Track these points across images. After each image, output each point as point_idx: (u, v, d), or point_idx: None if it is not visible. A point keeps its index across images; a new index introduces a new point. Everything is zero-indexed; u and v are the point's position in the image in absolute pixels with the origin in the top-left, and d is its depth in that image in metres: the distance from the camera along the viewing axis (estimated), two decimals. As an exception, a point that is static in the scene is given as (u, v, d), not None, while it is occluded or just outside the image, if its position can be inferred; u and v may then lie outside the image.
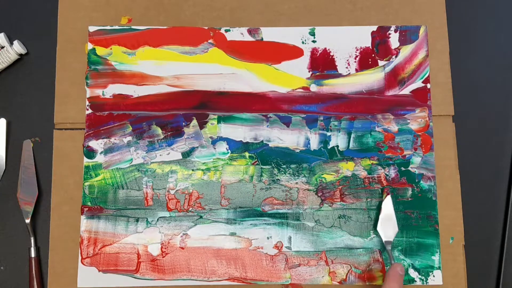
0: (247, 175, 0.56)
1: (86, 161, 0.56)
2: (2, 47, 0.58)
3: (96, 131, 0.57)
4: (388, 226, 0.54)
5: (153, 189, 0.56)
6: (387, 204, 0.55)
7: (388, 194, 0.55)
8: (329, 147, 0.57)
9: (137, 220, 0.55)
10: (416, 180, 0.56)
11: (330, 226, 0.55)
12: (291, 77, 0.58)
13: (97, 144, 0.56)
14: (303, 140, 0.57)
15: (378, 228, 0.54)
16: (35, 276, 0.54)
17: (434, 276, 0.55)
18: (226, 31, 0.59)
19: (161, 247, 0.55)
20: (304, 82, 0.58)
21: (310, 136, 0.57)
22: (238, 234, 0.55)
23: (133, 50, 0.58)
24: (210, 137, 0.57)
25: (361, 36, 0.59)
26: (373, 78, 0.58)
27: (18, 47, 0.58)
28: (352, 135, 0.57)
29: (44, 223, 0.56)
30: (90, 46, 0.58)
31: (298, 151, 0.57)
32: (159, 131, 0.57)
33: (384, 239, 0.54)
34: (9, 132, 0.58)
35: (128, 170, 0.56)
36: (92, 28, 0.58)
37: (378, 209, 0.55)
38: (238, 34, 0.59)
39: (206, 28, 0.59)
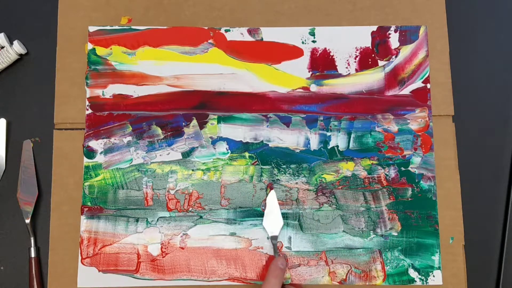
0: (247, 175, 0.56)
1: (86, 161, 0.56)
2: (2, 47, 0.58)
3: (96, 131, 0.57)
4: (273, 221, 0.55)
5: (153, 189, 0.56)
6: (271, 199, 0.55)
7: (271, 189, 0.55)
8: (329, 147, 0.57)
9: (137, 220, 0.55)
10: (416, 180, 0.56)
11: (330, 226, 0.55)
12: (291, 77, 0.58)
13: (97, 144, 0.56)
14: (303, 140, 0.57)
15: (264, 223, 0.55)
16: (35, 276, 0.54)
17: (434, 276, 0.55)
18: (226, 31, 0.59)
19: (161, 247, 0.55)
20: (304, 82, 0.58)
21: (310, 136, 0.57)
22: (238, 234, 0.55)
23: (133, 50, 0.58)
24: (210, 137, 0.57)
25: (361, 36, 0.59)
26: (373, 78, 0.58)
27: (18, 47, 0.58)
28: (352, 135, 0.57)
29: (44, 223, 0.56)
30: (90, 46, 0.58)
31: (298, 151, 0.57)
32: (159, 131, 0.57)
33: (269, 234, 0.54)
34: (9, 132, 0.58)
35: (128, 170, 0.56)
36: (92, 28, 0.58)
37: (265, 205, 0.56)
38: (238, 34, 0.59)
39: (206, 28, 0.59)
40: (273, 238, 0.54)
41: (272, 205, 0.55)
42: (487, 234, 0.57)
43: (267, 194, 0.55)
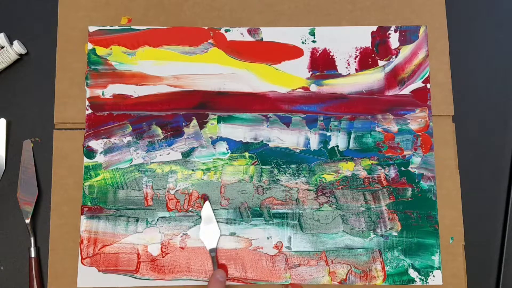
0: (247, 175, 0.56)
1: (86, 161, 0.56)
2: (2, 47, 0.58)
3: (96, 131, 0.57)
4: (210, 233, 0.54)
5: (153, 189, 0.56)
6: (206, 210, 0.55)
7: (205, 200, 0.55)
8: (329, 147, 0.57)
9: (137, 220, 0.55)
10: (416, 180, 0.56)
11: (330, 226, 0.55)
12: (291, 77, 0.58)
13: (97, 144, 0.56)
14: (303, 140, 0.57)
15: (200, 236, 0.54)
16: (35, 276, 0.54)
17: (434, 276, 0.55)
18: (226, 31, 0.59)
19: (161, 247, 0.55)
20: (304, 82, 0.58)
21: (310, 136, 0.57)
22: (238, 234, 0.55)
23: (133, 50, 0.58)
24: (210, 137, 0.57)
25: (361, 36, 0.59)
26: (373, 78, 0.58)
27: (18, 47, 0.58)
28: (352, 135, 0.57)
29: (44, 223, 0.56)
30: (90, 46, 0.58)
31: (298, 151, 0.57)
32: (159, 131, 0.57)
33: (207, 247, 0.54)
34: (9, 132, 0.58)
35: (128, 170, 0.56)
36: (92, 28, 0.58)
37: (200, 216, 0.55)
38: (238, 34, 0.59)
39: (206, 28, 0.59)
40: (211, 251, 0.54)
41: (208, 216, 0.54)
42: (487, 234, 0.57)
43: (202, 206, 0.55)
